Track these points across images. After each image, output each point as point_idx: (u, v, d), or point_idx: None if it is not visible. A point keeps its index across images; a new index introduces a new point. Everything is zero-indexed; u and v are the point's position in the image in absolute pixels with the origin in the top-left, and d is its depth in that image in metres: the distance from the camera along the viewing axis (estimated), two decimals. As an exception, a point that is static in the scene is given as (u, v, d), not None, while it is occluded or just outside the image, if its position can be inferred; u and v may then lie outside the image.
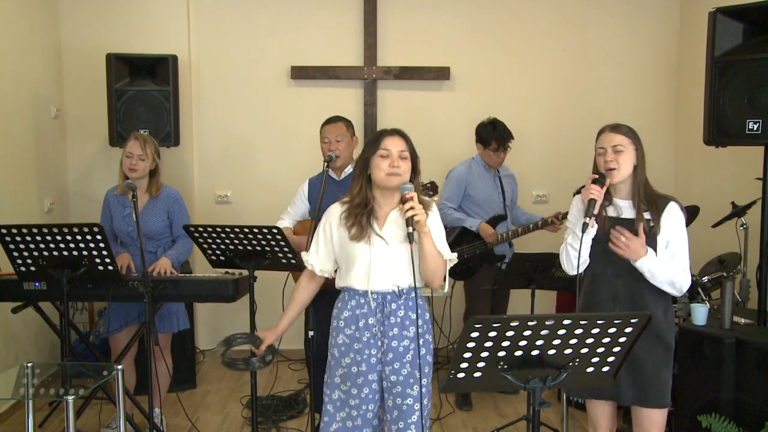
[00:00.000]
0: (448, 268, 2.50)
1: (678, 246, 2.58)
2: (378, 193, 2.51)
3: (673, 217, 2.58)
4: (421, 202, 2.43)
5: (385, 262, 2.46)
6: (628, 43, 5.30)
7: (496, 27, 5.27)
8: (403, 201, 2.37)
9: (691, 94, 4.86)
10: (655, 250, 2.56)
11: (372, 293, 2.48)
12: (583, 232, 2.53)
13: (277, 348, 2.72)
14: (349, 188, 2.57)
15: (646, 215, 2.58)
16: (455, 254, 2.55)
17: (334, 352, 2.57)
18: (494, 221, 4.30)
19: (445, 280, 2.49)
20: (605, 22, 5.29)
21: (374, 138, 2.54)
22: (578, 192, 2.75)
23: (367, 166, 2.50)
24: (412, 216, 2.33)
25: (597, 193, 2.55)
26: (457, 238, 4.30)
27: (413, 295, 2.51)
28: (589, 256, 2.64)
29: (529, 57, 5.29)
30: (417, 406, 2.47)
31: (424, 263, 2.44)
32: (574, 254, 2.60)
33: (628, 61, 5.31)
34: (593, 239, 2.62)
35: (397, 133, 2.52)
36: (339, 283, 2.59)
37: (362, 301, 2.50)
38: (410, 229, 2.34)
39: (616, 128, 2.66)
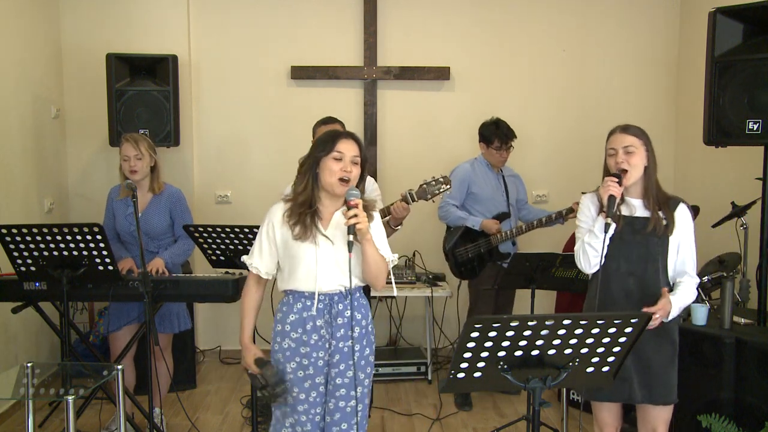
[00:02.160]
0: (390, 268, 2.50)
1: (688, 249, 2.65)
2: (323, 194, 2.48)
3: (683, 218, 2.64)
4: (365, 204, 2.44)
5: (331, 262, 2.44)
6: (628, 43, 5.30)
7: (496, 27, 5.28)
8: (348, 207, 2.36)
9: (691, 94, 4.86)
10: (667, 250, 2.62)
11: (319, 294, 2.45)
12: (606, 231, 2.55)
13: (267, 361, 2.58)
14: (293, 186, 2.55)
15: (659, 214, 2.62)
16: (396, 255, 2.55)
17: (278, 357, 2.51)
18: (498, 219, 4.30)
19: (389, 281, 2.50)
20: (605, 22, 5.29)
21: (328, 139, 2.49)
22: (591, 191, 2.76)
23: (316, 165, 2.46)
24: (354, 224, 2.33)
25: (616, 189, 2.57)
26: (461, 237, 4.31)
27: (358, 294, 2.52)
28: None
29: (529, 57, 5.29)
30: (360, 407, 2.48)
31: (367, 268, 2.43)
32: (594, 254, 2.61)
33: (628, 61, 5.31)
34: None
35: (351, 137, 2.50)
36: (282, 286, 2.54)
37: (309, 303, 2.46)
38: (350, 238, 2.33)
39: (627, 129, 2.67)
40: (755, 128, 3.29)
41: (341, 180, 2.42)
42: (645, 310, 2.53)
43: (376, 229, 2.50)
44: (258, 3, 5.19)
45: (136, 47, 4.83)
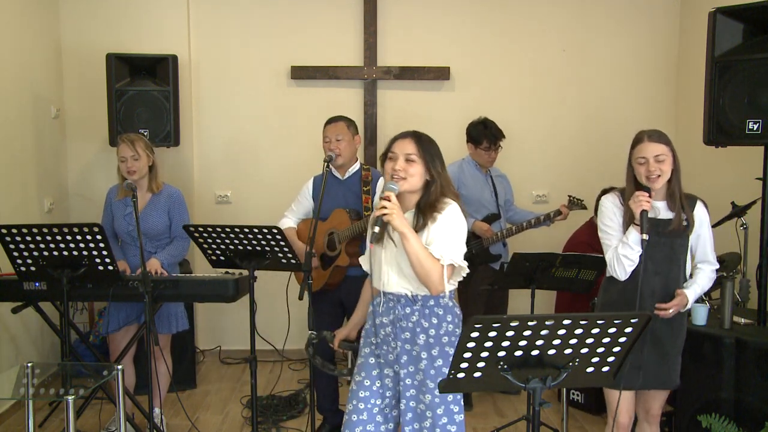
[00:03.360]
0: (453, 273, 2.42)
1: (707, 239, 2.80)
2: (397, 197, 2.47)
3: (702, 215, 2.79)
4: (432, 205, 2.41)
5: (394, 264, 2.45)
6: (628, 43, 5.30)
7: (496, 27, 5.27)
8: (381, 199, 2.36)
9: (691, 94, 4.86)
10: (687, 249, 2.77)
11: (385, 294, 2.49)
12: (643, 248, 2.65)
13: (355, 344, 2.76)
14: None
15: (671, 215, 2.74)
16: (465, 263, 2.44)
17: (362, 339, 2.61)
18: (488, 220, 4.29)
19: (443, 282, 2.39)
20: (605, 22, 5.29)
21: (389, 142, 2.53)
22: (604, 192, 2.83)
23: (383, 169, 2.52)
24: (382, 215, 2.31)
25: (648, 204, 2.65)
26: None
27: (431, 303, 2.45)
28: None
29: (530, 57, 5.29)
30: (429, 414, 2.44)
31: (411, 265, 2.38)
32: (629, 263, 2.73)
33: (628, 61, 5.31)
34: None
35: (410, 135, 2.50)
36: (373, 284, 2.61)
37: (378, 300, 2.52)
38: (376, 229, 2.34)
39: (656, 138, 2.73)
40: (755, 128, 3.30)
41: (392, 178, 2.42)
42: (660, 306, 2.70)
43: (439, 228, 2.41)
44: (258, 3, 5.19)
45: (136, 47, 4.83)
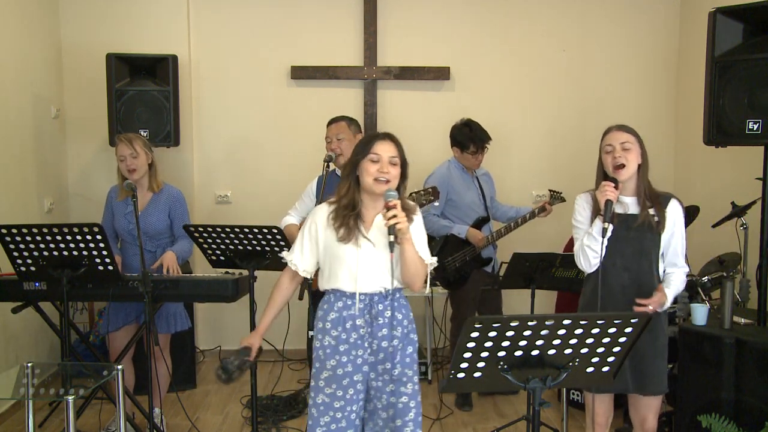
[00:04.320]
0: (429, 271, 2.52)
1: (678, 240, 2.76)
2: (365, 197, 2.50)
3: (674, 213, 2.76)
4: (405, 207, 2.45)
5: (372, 264, 2.47)
6: (628, 43, 5.30)
7: (496, 27, 5.28)
8: (387, 208, 2.37)
9: (691, 94, 4.86)
10: (659, 246, 2.74)
11: (360, 294, 2.48)
12: (604, 236, 2.64)
13: (261, 347, 2.68)
14: (337, 189, 2.57)
15: (650, 211, 2.73)
16: (435, 258, 2.57)
17: (319, 354, 2.55)
18: (478, 225, 4.26)
19: (426, 282, 2.50)
20: (605, 22, 5.29)
21: (365, 141, 2.51)
22: (585, 192, 2.84)
23: (356, 168, 2.49)
24: (395, 225, 2.33)
25: (613, 194, 2.65)
26: (445, 248, 4.22)
27: (398, 295, 2.54)
28: None
29: (529, 57, 5.29)
30: (413, 404, 2.50)
31: (405, 268, 2.45)
32: (593, 255, 2.72)
33: (628, 61, 5.31)
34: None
35: (388, 137, 2.51)
36: (324, 285, 2.56)
37: (349, 303, 2.49)
38: (391, 238, 2.34)
39: (623, 127, 2.78)
40: (755, 128, 3.29)
41: (377, 180, 2.43)
42: (639, 301, 2.67)
43: (416, 231, 2.51)
44: (258, 3, 5.19)
45: (136, 47, 4.83)
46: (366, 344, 2.50)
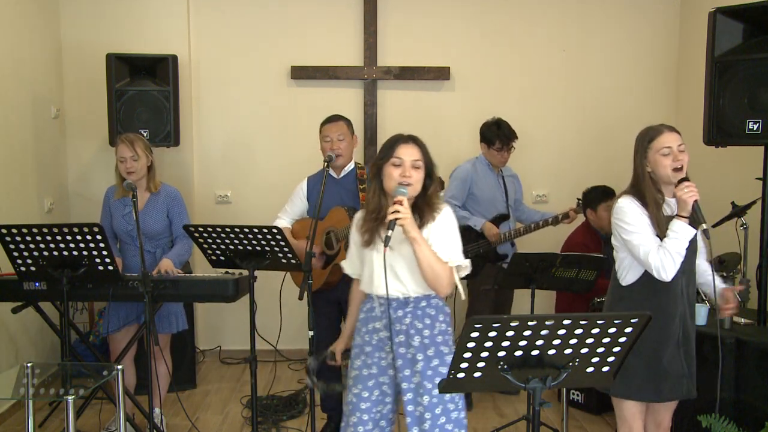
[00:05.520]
0: (458, 274, 2.46)
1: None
2: (389, 200, 2.47)
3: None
4: (430, 206, 2.44)
5: (387, 268, 2.42)
6: (628, 43, 5.30)
7: (496, 27, 5.27)
8: (394, 203, 2.35)
9: (691, 94, 4.86)
10: (697, 246, 2.70)
11: (378, 298, 2.49)
12: (708, 237, 2.59)
13: (348, 348, 2.76)
14: (366, 194, 2.59)
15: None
16: (468, 261, 2.49)
17: (352, 352, 2.60)
18: (497, 221, 4.30)
19: (457, 287, 2.45)
20: (605, 22, 5.29)
21: (389, 145, 2.49)
22: (624, 193, 2.70)
23: (380, 172, 2.47)
24: (395, 219, 2.30)
25: (696, 192, 2.54)
26: (461, 237, 4.29)
27: (423, 303, 2.48)
28: None
29: (529, 57, 5.29)
30: (428, 416, 2.44)
31: (421, 270, 2.39)
32: (680, 259, 2.56)
33: (628, 61, 5.31)
34: (659, 237, 2.59)
35: (411, 140, 2.49)
36: (361, 287, 2.62)
37: (372, 306, 2.52)
38: (389, 233, 2.30)
39: (673, 129, 2.69)
40: (755, 128, 3.30)
41: (401, 185, 2.40)
42: (727, 307, 2.67)
43: (439, 231, 2.45)
44: (258, 3, 5.19)
45: (136, 47, 4.83)
46: (387, 348, 2.49)
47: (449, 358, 2.46)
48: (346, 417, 2.56)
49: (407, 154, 2.44)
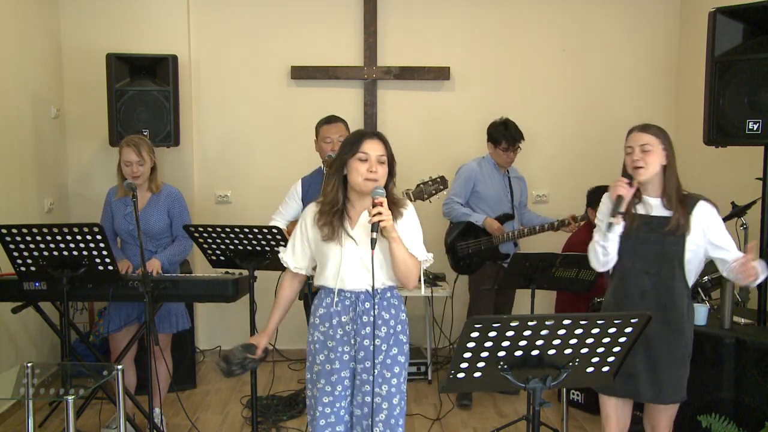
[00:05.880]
0: (423, 268, 2.52)
1: (726, 239, 2.65)
2: (353, 195, 2.52)
3: (705, 214, 2.66)
4: (395, 203, 2.47)
5: (357, 262, 2.48)
6: (628, 43, 5.30)
7: (496, 27, 5.27)
8: (373, 205, 2.36)
9: (691, 94, 4.86)
10: (683, 249, 2.63)
11: (344, 292, 2.50)
12: (610, 230, 2.60)
13: (267, 349, 2.74)
14: (323, 187, 2.58)
15: (667, 213, 2.64)
16: (430, 255, 2.56)
17: (310, 348, 2.60)
18: (501, 219, 4.31)
19: (420, 281, 2.50)
20: (605, 22, 5.29)
21: (353, 140, 2.51)
22: (592, 191, 2.80)
23: (344, 167, 2.49)
24: (378, 222, 2.33)
25: (624, 189, 2.61)
26: (463, 233, 4.32)
27: (388, 294, 2.54)
28: (618, 253, 2.69)
29: (530, 57, 5.29)
30: (385, 405, 2.49)
31: (395, 266, 2.45)
32: (601, 251, 2.68)
33: (628, 61, 5.31)
34: (622, 236, 2.67)
35: (376, 136, 2.52)
36: (315, 282, 2.61)
37: (335, 300, 2.52)
38: (374, 235, 2.33)
39: (645, 128, 2.70)
40: (755, 128, 3.30)
41: (367, 180, 2.43)
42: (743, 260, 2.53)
43: (408, 227, 2.50)
44: (258, 3, 5.19)
45: (136, 47, 4.83)
46: (352, 341, 2.51)
47: (407, 348, 2.57)
48: (311, 411, 2.57)
49: (373, 149, 2.47)
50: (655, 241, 2.64)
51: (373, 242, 2.34)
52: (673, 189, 2.66)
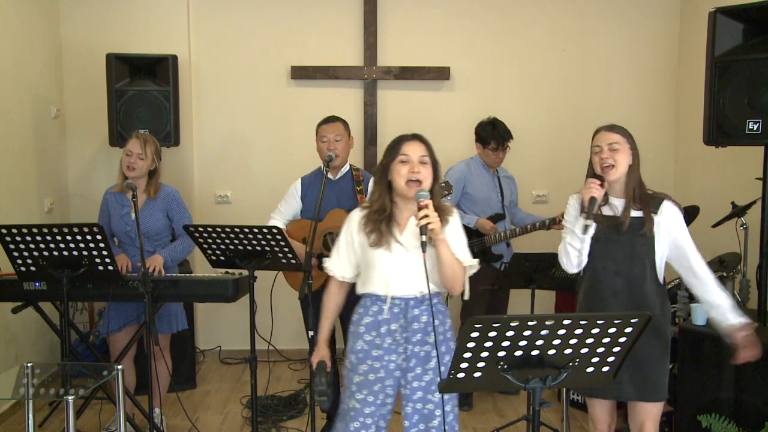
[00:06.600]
0: (468, 274, 2.49)
1: (686, 242, 2.63)
2: (399, 199, 2.49)
3: (669, 215, 2.63)
4: (439, 208, 2.43)
5: (406, 268, 2.45)
6: (628, 43, 5.30)
7: (496, 27, 5.27)
8: (419, 209, 2.34)
9: (691, 94, 4.86)
10: (654, 249, 2.61)
11: (394, 299, 2.47)
12: (585, 233, 2.58)
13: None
14: (369, 194, 2.58)
15: (637, 213, 2.62)
16: (476, 260, 2.53)
17: (351, 358, 2.55)
18: (492, 220, 4.29)
19: (465, 286, 2.47)
20: (605, 22, 5.29)
21: (393, 143, 2.50)
22: (577, 193, 2.77)
23: (387, 172, 2.48)
24: (426, 224, 2.30)
25: (597, 191, 2.58)
26: None
27: (435, 300, 2.50)
28: (588, 255, 2.67)
29: (529, 57, 5.29)
30: (438, 412, 2.46)
31: (442, 271, 2.42)
32: (575, 253, 2.65)
33: (628, 61, 5.31)
34: (592, 237, 2.64)
35: (416, 138, 2.50)
36: (360, 289, 2.57)
37: (384, 307, 2.48)
38: (423, 238, 2.30)
39: (612, 128, 2.70)
40: (755, 128, 3.29)
41: (410, 181, 2.42)
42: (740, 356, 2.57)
43: (453, 232, 2.48)
44: (258, 3, 5.19)
45: (136, 47, 4.83)
46: (401, 349, 2.48)
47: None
48: (347, 422, 2.53)
49: (413, 150, 2.46)
50: (624, 242, 2.63)
51: (424, 245, 2.30)
52: (637, 189, 2.65)
